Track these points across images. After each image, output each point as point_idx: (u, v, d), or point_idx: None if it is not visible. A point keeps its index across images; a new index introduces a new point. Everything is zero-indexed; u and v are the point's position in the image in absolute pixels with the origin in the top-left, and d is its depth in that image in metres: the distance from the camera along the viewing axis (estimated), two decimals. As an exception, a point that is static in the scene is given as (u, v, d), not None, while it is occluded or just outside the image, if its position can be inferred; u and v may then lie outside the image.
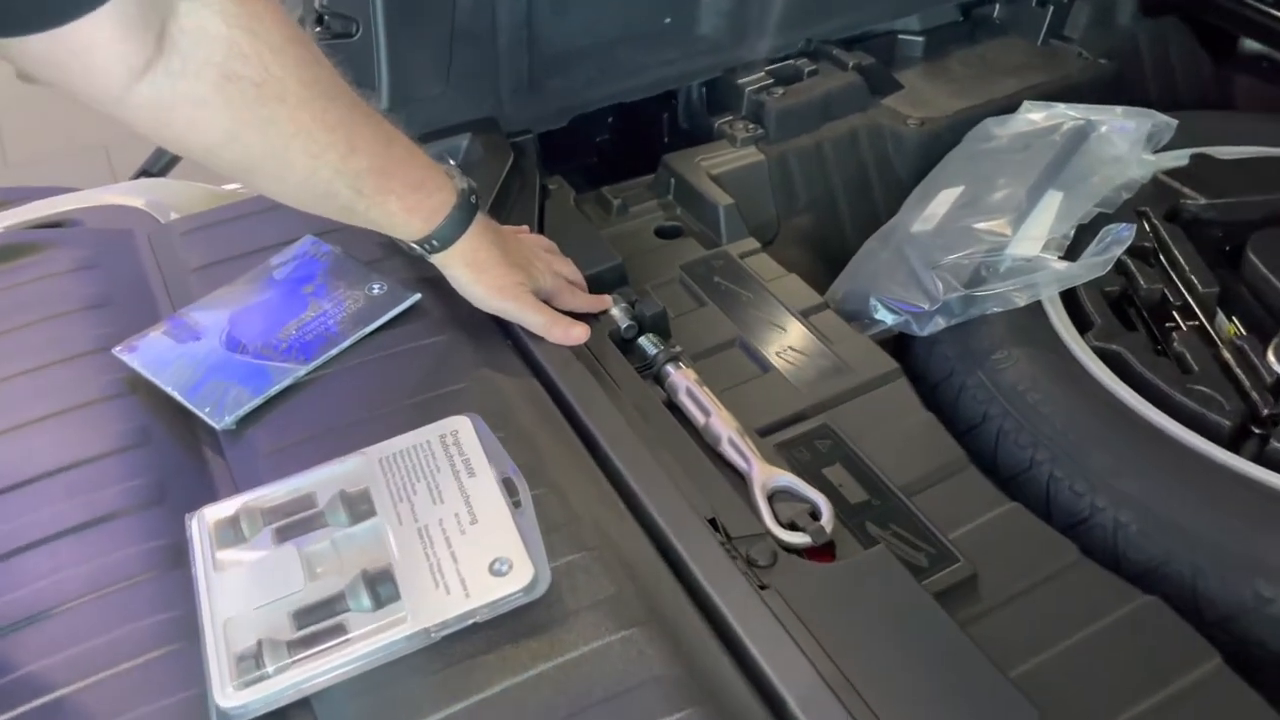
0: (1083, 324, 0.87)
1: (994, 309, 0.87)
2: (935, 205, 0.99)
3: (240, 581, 0.58)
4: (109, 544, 0.64)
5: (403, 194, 0.71)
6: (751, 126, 1.09)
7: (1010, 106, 1.11)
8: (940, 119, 1.13)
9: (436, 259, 0.76)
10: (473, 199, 0.76)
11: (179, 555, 0.63)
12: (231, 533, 0.61)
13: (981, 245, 0.91)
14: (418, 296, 0.80)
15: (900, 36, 1.24)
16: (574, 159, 1.19)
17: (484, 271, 0.77)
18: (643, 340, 0.84)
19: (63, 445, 0.70)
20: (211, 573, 0.58)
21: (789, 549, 0.67)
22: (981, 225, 0.93)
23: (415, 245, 0.75)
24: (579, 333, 0.78)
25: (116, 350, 0.76)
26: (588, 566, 0.61)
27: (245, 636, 0.55)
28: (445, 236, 0.74)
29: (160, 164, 1.04)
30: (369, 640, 0.54)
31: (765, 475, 0.72)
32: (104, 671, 0.57)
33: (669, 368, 0.81)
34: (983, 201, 0.97)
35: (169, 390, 0.73)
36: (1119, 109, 1.04)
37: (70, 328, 0.80)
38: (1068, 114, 1.05)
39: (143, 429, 0.71)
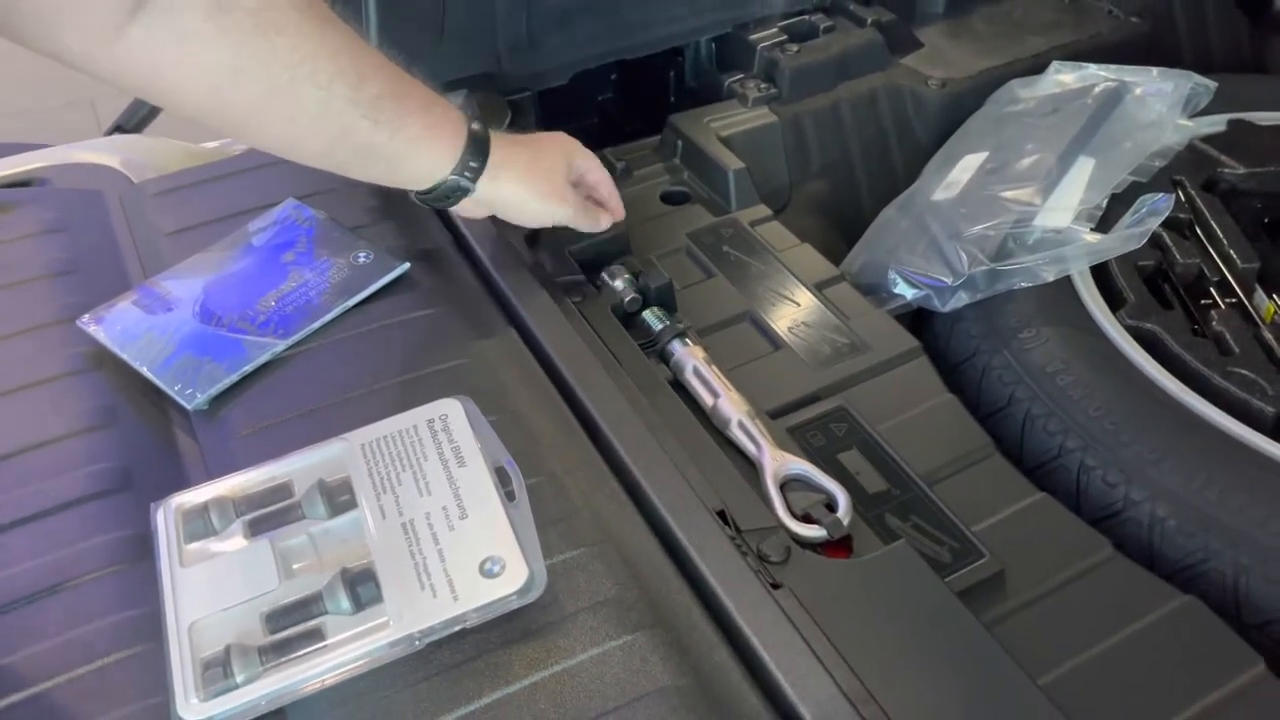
0: (1115, 301, 0.82)
1: (1021, 284, 0.82)
2: (958, 171, 0.93)
3: (209, 578, 0.53)
4: (69, 534, 0.59)
5: (421, 114, 0.66)
6: (764, 86, 1.03)
7: (1038, 67, 1.05)
8: (963, 79, 1.07)
9: (483, 184, 0.69)
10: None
11: (145, 547, 0.58)
12: (201, 524, 0.56)
13: (1008, 215, 0.86)
14: (406, 266, 0.75)
15: (921, -8, 1.17)
16: (574, 119, 1.13)
17: (536, 180, 0.73)
18: (647, 314, 0.79)
19: (20, 425, 0.66)
20: (178, 568, 0.54)
21: (803, 543, 0.62)
22: (1008, 194, 0.87)
23: (450, 178, 0.68)
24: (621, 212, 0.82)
25: (81, 321, 0.71)
26: (587, 564, 0.56)
27: (213, 640, 0.50)
28: (480, 151, 0.69)
29: (135, 119, 0.98)
30: (348, 647, 0.50)
31: (778, 462, 0.67)
32: (60, 675, 0.52)
33: (675, 344, 0.76)
34: (1009, 168, 0.91)
35: (137, 366, 0.68)
36: (1154, 70, 0.98)
37: (32, 296, 0.75)
38: (1099, 75, 0.99)
39: (108, 408, 0.66)
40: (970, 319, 0.83)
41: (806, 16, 1.09)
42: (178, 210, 0.82)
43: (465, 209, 0.73)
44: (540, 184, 0.73)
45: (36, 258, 0.77)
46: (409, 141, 0.66)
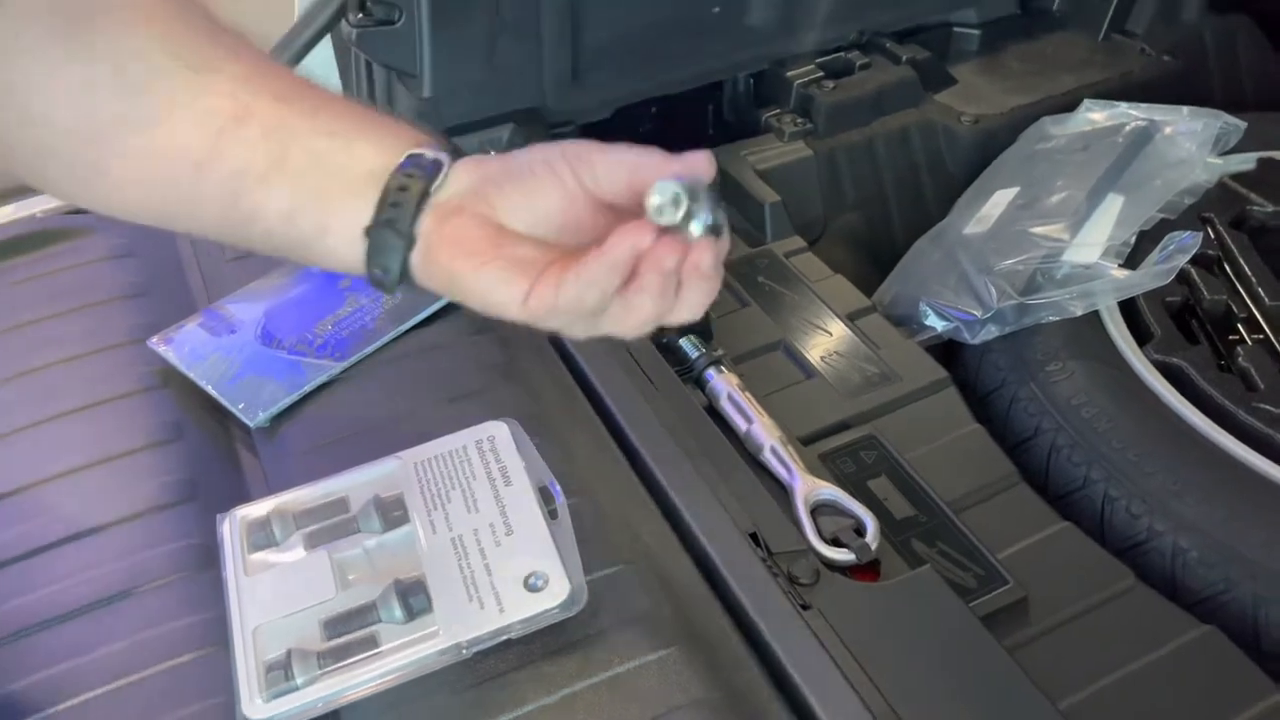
0: (1142, 335, 0.84)
1: (1049, 318, 0.84)
2: (989, 207, 0.96)
3: (271, 587, 0.57)
4: (139, 542, 0.63)
5: (362, 129, 0.50)
6: (800, 121, 1.07)
7: (1069, 104, 1.07)
8: (996, 116, 1.09)
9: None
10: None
11: (209, 556, 0.62)
12: (263, 535, 0.59)
13: (1037, 250, 0.88)
14: (456, 293, 0.78)
15: (955, 30, 1.20)
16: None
17: None
18: (683, 342, 0.82)
19: (94, 439, 0.70)
20: (242, 576, 0.57)
21: (832, 566, 0.65)
22: (1038, 229, 0.89)
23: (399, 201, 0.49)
24: None
25: (152, 342, 0.75)
26: (624, 581, 0.59)
27: (275, 645, 0.54)
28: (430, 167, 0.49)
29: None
30: (400, 654, 0.53)
31: (808, 487, 0.70)
32: (131, 675, 0.56)
33: (710, 372, 0.79)
34: (1039, 204, 0.93)
35: (203, 385, 0.72)
36: (1185, 109, 1.00)
37: (105, 317, 0.79)
38: (1130, 113, 1.01)
39: (175, 424, 0.70)
40: (999, 351, 0.85)
41: (843, 54, 1.12)
42: (240, 237, 0.86)
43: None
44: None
45: (109, 280, 0.82)
46: (344, 163, 0.50)
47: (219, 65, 0.49)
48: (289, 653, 0.53)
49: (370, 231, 0.49)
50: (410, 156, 0.49)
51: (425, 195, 0.49)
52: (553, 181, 0.48)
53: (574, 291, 0.45)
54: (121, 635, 0.58)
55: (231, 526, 0.60)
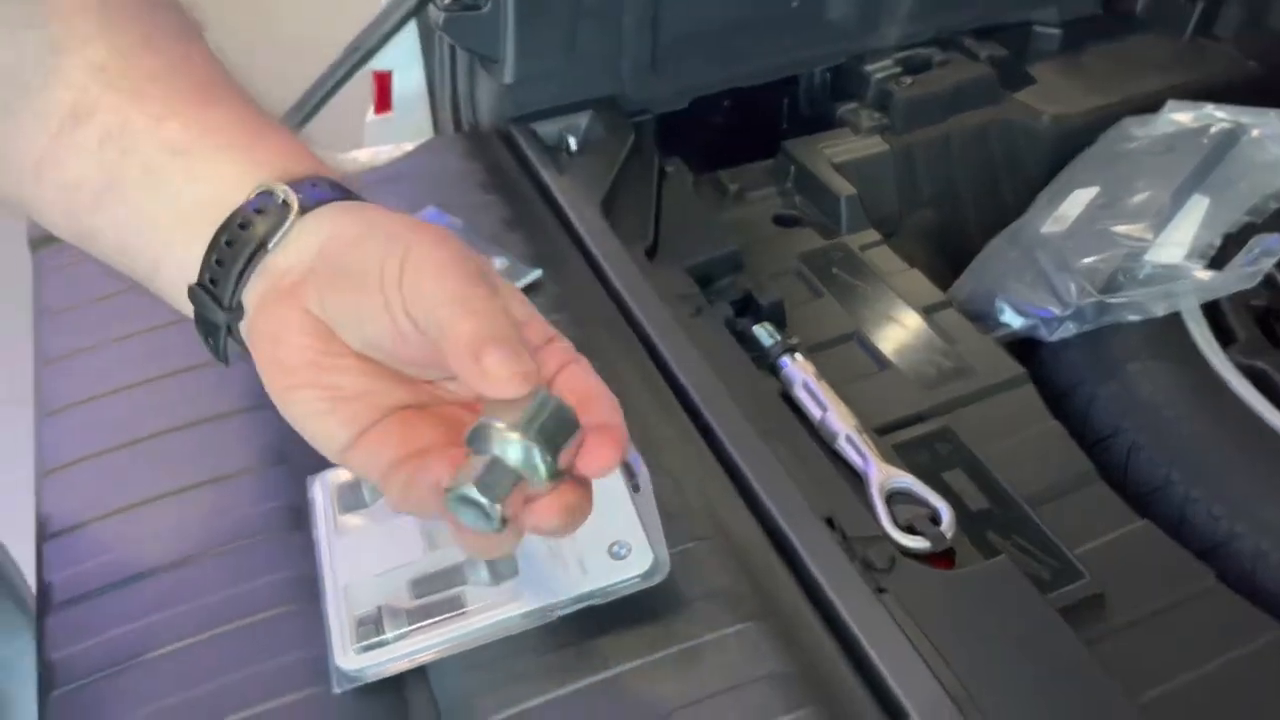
0: (1225, 338, 0.83)
1: (1130, 317, 0.83)
2: (1068, 205, 0.95)
3: (361, 546, 0.58)
4: (231, 502, 0.65)
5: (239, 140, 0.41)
6: (876, 115, 1.07)
7: (1152, 106, 1.06)
8: (1076, 116, 1.08)
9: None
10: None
11: (297, 517, 0.63)
12: (353, 497, 0.61)
13: (1119, 249, 0.87)
14: (539, 273, 0.80)
15: (1036, 29, 1.19)
16: (687, 142, 1.18)
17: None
18: (758, 329, 0.82)
19: (188, 404, 0.72)
20: (334, 536, 0.59)
21: (907, 553, 0.65)
22: (1119, 228, 0.89)
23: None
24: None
25: (244, 310, 0.77)
26: (702, 556, 0.60)
27: (365, 601, 0.55)
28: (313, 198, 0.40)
29: (289, 125, 1.06)
30: (486, 614, 0.54)
31: (884, 475, 0.70)
32: (225, 625, 0.58)
33: (785, 359, 0.79)
34: (1121, 204, 0.92)
35: (293, 352, 0.74)
36: (1272, 112, 0.98)
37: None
38: (1215, 115, 1.00)
39: (264, 391, 0.72)
40: (1077, 349, 0.84)
41: (921, 50, 1.12)
42: (327, 213, 0.89)
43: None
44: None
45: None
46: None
47: (87, 43, 0.39)
48: (379, 609, 0.55)
49: (192, 292, 0.39)
50: (263, 192, 0.38)
51: (262, 248, 0.38)
52: (382, 306, 0.37)
53: (404, 500, 0.39)
54: (216, 588, 0.60)
55: (323, 487, 0.62)
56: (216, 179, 0.39)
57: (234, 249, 0.38)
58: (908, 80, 1.08)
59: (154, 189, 0.39)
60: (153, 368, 0.74)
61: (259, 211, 0.38)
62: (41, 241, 0.87)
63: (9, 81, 0.39)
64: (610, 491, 0.59)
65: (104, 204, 0.40)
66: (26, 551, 0.67)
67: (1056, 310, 0.85)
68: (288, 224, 0.38)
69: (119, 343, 0.77)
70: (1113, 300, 0.83)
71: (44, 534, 0.65)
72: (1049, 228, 0.93)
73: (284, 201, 0.38)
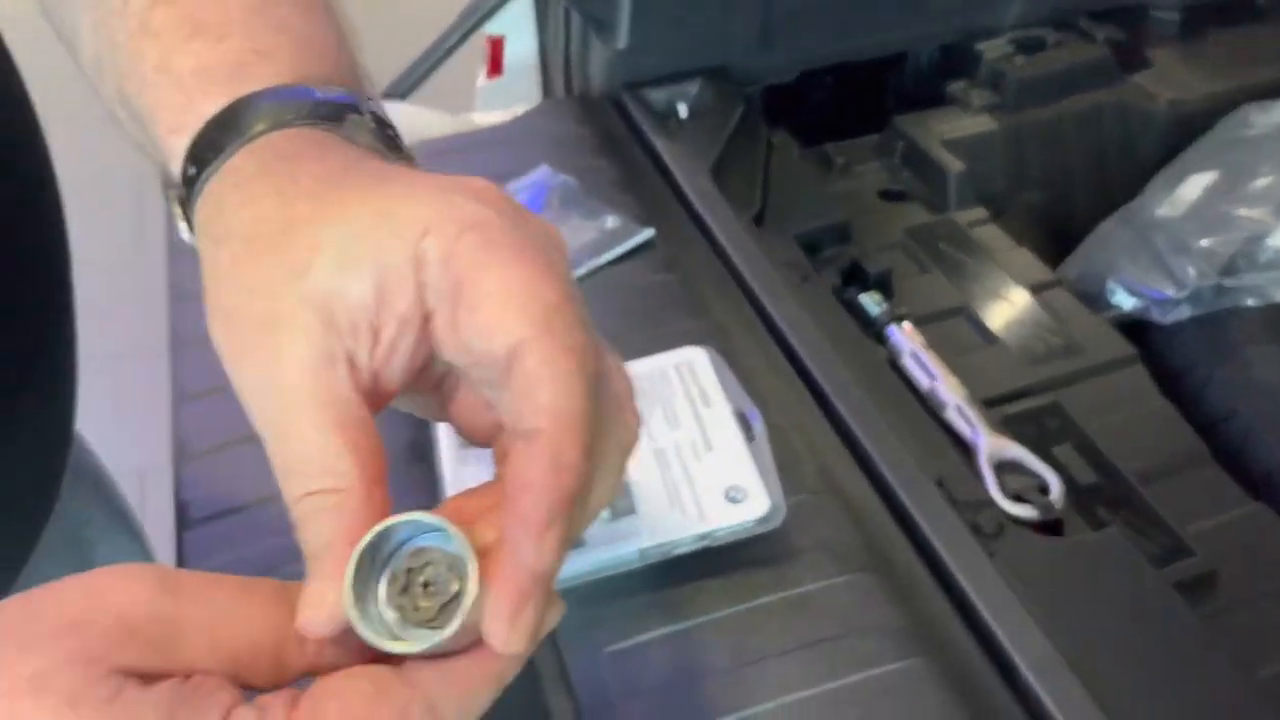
0: (1348, 326, 0.81)
1: (1249, 301, 0.81)
2: (1186, 189, 0.93)
3: (482, 478, 0.60)
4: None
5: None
6: (987, 94, 1.06)
7: (1271, 94, 1.03)
8: (1193, 101, 1.06)
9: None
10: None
11: (419, 453, 0.66)
12: (474, 434, 0.63)
13: (1239, 232, 0.86)
14: (651, 232, 0.81)
15: (1154, 13, 1.17)
16: (793, 115, 1.18)
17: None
18: (864, 298, 0.83)
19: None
20: (457, 467, 0.61)
21: (1015, 522, 0.65)
22: (1240, 211, 0.87)
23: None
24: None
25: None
26: (815, 508, 0.60)
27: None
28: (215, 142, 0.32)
29: (403, 87, 1.09)
30: (604, 549, 0.56)
31: (994, 445, 0.70)
32: (353, 548, 0.60)
33: (893, 328, 0.80)
34: (1241, 189, 0.91)
35: (413, 299, 0.76)
36: (1404, 102, 0.95)
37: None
38: (1343, 104, 0.97)
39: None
40: (1192, 331, 0.83)
41: (1036, 30, 1.11)
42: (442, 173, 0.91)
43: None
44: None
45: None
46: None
47: None
48: (501, 538, 0.57)
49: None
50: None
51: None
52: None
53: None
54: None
55: (445, 425, 0.64)
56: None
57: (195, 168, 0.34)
58: (1021, 60, 1.07)
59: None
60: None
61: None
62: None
63: None
64: (726, 439, 0.60)
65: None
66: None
67: (1172, 292, 0.84)
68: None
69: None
70: (1231, 284, 0.82)
71: (181, 457, 0.68)
72: (1165, 211, 0.92)
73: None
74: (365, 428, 0.29)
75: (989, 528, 0.63)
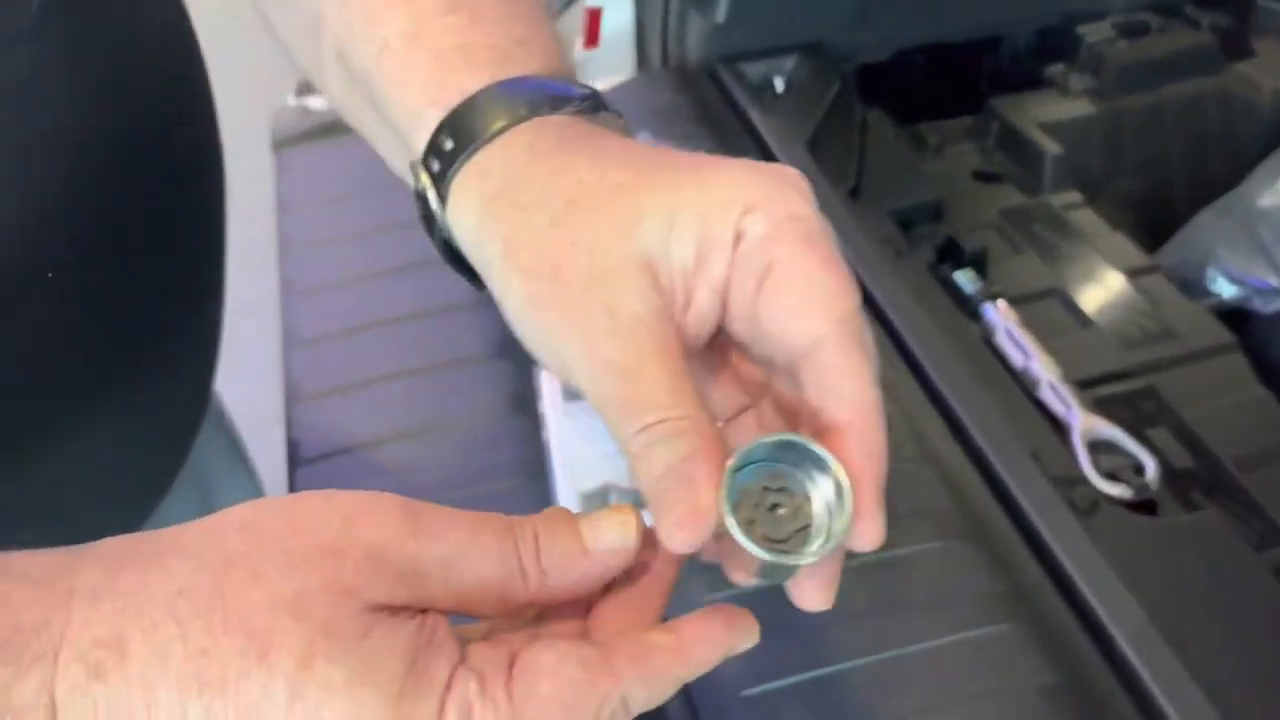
0: None
1: (1355, 293, 0.80)
2: (1291, 179, 0.92)
3: (586, 430, 0.62)
4: (460, 385, 0.70)
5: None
6: (1087, 78, 1.04)
7: (1386, 85, 1.01)
8: (1301, 91, 1.04)
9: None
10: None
11: (522, 403, 0.68)
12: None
13: (1347, 225, 0.84)
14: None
15: (1261, 2, 1.14)
16: (886, 93, 1.17)
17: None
18: (959, 275, 0.83)
19: (416, 295, 0.77)
20: (561, 418, 0.63)
21: (1109, 501, 0.65)
22: (1349, 204, 0.85)
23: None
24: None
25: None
26: (911, 476, 0.61)
27: (591, 479, 0.59)
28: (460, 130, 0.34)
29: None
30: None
31: (1088, 424, 0.70)
32: (457, 491, 0.63)
33: (987, 305, 0.80)
34: (1349, 181, 0.89)
35: (515, 258, 0.79)
36: None
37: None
38: None
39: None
40: (1293, 322, 0.82)
41: (1139, 15, 1.09)
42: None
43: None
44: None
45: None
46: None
47: None
48: (605, 485, 0.58)
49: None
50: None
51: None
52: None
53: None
54: (449, 458, 0.65)
55: (550, 375, 0.66)
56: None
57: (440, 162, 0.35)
58: (1122, 44, 1.05)
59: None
60: (386, 260, 0.80)
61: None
62: (283, 143, 0.94)
63: None
64: (826, 403, 0.61)
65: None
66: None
67: (1274, 281, 0.82)
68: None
69: (355, 238, 0.83)
70: (1337, 275, 0.81)
71: (292, 398, 0.71)
72: (1268, 200, 0.90)
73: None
74: (691, 376, 0.31)
75: (1082, 504, 0.63)
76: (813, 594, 0.31)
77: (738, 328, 0.32)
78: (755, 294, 0.31)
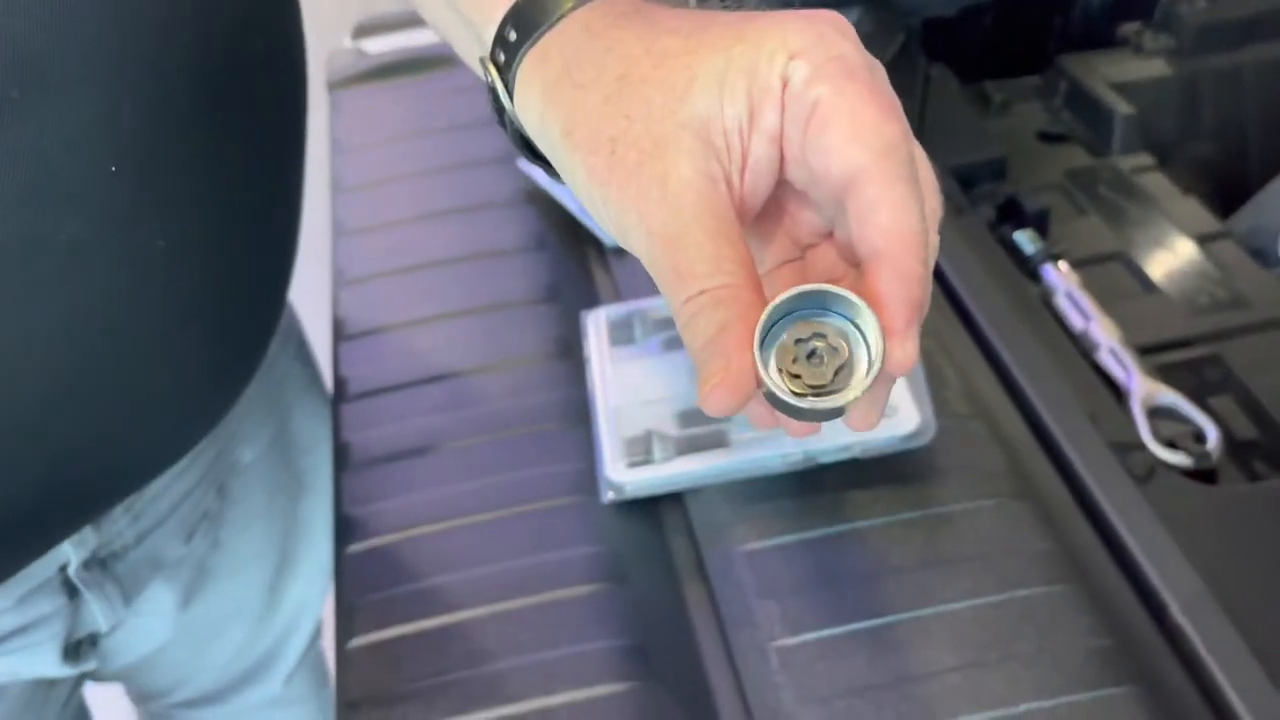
0: None
1: None
2: (1376, 146, 0.87)
3: (632, 376, 0.61)
4: (507, 328, 0.70)
5: None
6: (1163, 38, 1.00)
7: None
8: (1391, 56, 0.99)
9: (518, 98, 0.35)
10: None
11: (567, 348, 0.67)
12: (624, 332, 0.64)
13: None
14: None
15: (1352, -39, 1.09)
16: (951, 50, 1.14)
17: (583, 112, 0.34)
18: (1019, 235, 0.80)
19: (466, 238, 0.77)
20: (606, 364, 0.62)
21: (1167, 468, 0.63)
22: None
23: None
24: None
25: (520, 162, 0.82)
26: (964, 432, 0.60)
27: (635, 425, 0.59)
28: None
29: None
30: (749, 451, 0.57)
31: (1148, 389, 0.68)
32: (502, 432, 0.63)
33: (1047, 266, 0.77)
34: None
35: (565, 203, 0.78)
36: None
37: (476, 139, 0.87)
38: None
39: (539, 235, 0.77)
40: (1372, 292, 0.78)
41: (1221, -28, 1.05)
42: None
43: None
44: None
45: (481, 107, 0.89)
46: None
47: None
48: (648, 432, 0.58)
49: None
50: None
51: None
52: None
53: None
54: (494, 400, 0.65)
55: (596, 321, 0.65)
56: None
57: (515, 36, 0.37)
58: (1202, 3, 1.01)
59: None
60: (437, 203, 0.80)
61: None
62: (338, 83, 0.94)
63: None
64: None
65: None
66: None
67: (1353, 250, 0.79)
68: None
69: (408, 179, 0.83)
70: None
71: (339, 335, 0.71)
72: (1351, 167, 0.86)
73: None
74: (744, 242, 0.32)
75: (1139, 470, 0.61)
76: (858, 417, 0.34)
77: (794, 174, 0.33)
78: (803, 137, 0.31)
